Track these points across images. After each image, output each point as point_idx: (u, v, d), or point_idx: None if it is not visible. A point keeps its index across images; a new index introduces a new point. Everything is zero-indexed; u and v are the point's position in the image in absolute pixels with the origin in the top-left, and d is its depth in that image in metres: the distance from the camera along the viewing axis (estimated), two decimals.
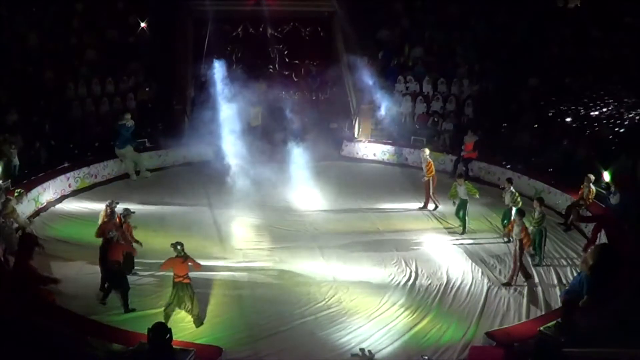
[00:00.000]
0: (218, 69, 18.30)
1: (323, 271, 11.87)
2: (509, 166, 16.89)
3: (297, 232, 13.80)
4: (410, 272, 11.88)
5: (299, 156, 16.52)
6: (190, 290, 9.72)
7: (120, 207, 11.66)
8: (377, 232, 13.90)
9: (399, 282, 11.50)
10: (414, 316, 10.33)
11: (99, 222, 11.34)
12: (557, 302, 10.59)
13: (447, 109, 19.99)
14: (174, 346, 7.50)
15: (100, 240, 10.91)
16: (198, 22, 20.52)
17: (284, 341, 9.58)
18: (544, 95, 18.72)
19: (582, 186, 13.78)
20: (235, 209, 14.84)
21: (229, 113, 17.07)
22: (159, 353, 7.22)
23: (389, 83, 20.62)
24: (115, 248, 10.40)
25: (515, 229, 11.38)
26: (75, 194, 15.71)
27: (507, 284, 11.39)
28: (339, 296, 10.89)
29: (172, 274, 9.76)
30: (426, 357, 8.71)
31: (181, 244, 9.62)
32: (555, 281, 11.67)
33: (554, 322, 8.65)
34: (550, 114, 17.99)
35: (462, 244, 13.33)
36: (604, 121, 16.98)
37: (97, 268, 10.90)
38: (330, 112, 20.79)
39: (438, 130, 19.51)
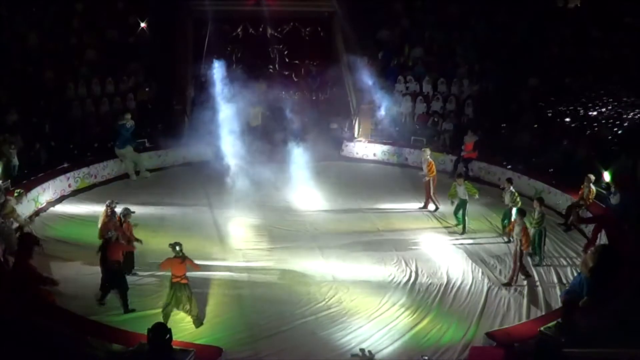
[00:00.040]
0: (218, 69, 18.24)
1: (323, 271, 11.86)
2: (509, 166, 16.88)
3: (297, 232, 13.79)
4: (411, 272, 11.87)
5: (298, 156, 16.49)
6: (188, 291, 9.71)
7: (120, 207, 11.62)
8: (377, 232, 13.89)
9: (399, 282, 11.49)
10: (414, 316, 10.32)
11: (100, 223, 11.32)
12: (557, 302, 10.59)
13: (447, 109, 19.99)
14: (173, 346, 7.49)
15: (101, 241, 10.89)
16: (198, 22, 20.52)
17: (284, 341, 9.57)
18: (544, 95, 18.72)
19: (582, 186, 13.79)
20: (235, 209, 14.83)
21: (228, 113, 17.01)
22: (159, 353, 7.21)
23: (389, 83, 20.60)
24: (114, 248, 10.39)
25: (516, 229, 11.37)
26: (75, 194, 15.70)
27: (508, 284, 11.39)
28: (339, 296, 10.88)
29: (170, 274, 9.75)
30: (426, 358, 8.70)
31: (180, 245, 9.61)
32: (555, 281, 11.67)
33: (554, 322, 8.63)
34: (550, 114, 17.98)
35: (462, 244, 13.32)
36: (604, 121, 16.97)
37: (97, 268, 10.87)
38: (330, 112, 20.82)
39: (438, 130, 19.49)
